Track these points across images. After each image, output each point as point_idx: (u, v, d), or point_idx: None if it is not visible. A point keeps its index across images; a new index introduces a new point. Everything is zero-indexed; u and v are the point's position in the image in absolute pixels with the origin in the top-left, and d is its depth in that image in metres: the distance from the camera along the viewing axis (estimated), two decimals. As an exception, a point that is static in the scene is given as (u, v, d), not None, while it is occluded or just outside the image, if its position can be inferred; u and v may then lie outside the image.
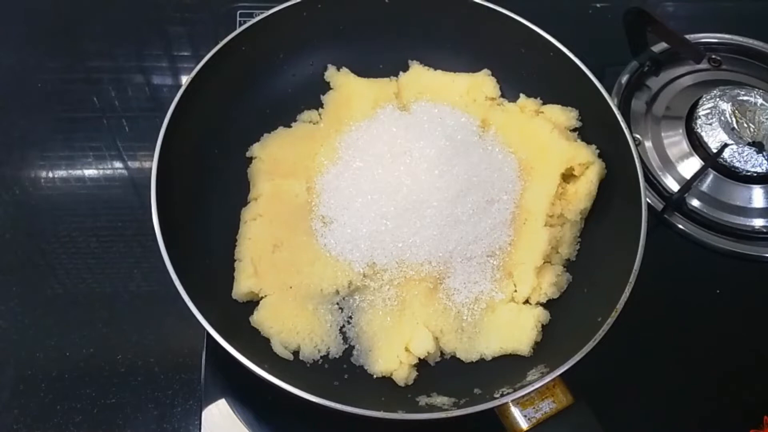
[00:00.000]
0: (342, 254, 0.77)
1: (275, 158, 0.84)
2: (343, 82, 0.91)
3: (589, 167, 0.81)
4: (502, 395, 0.64)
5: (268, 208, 0.80)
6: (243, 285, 0.75)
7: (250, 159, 0.85)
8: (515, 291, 0.78)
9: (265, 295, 0.75)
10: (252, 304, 0.76)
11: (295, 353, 0.74)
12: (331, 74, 0.92)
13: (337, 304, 0.77)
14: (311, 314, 0.75)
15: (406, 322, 0.75)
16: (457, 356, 0.75)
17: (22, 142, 0.96)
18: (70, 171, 0.94)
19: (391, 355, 0.73)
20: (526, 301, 0.78)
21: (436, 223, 0.77)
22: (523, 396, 0.64)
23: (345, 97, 0.90)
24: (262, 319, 0.74)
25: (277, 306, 0.74)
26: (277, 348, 0.72)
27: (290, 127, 0.88)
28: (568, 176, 0.83)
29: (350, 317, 0.77)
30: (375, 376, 0.73)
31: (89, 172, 0.94)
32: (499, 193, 0.81)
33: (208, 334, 0.65)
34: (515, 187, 0.82)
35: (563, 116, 0.87)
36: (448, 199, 0.77)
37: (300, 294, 0.75)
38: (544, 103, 0.89)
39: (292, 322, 0.74)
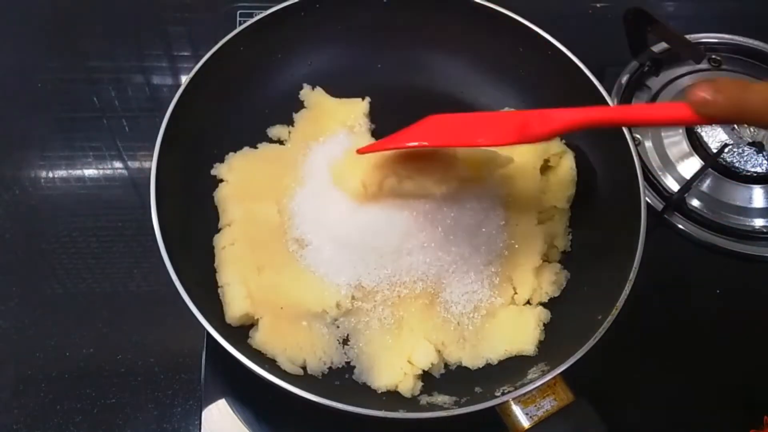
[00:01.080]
0: (326, 275, 0.75)
1: (243, 182, 0.81)
2: (316, 101, 0.90)
3: (562, 156, 0.83)
4: (503, 393, 0.64)
5: (243, 234, 0.77)
6: (237, 308, 0.71)
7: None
8: (515, 294, 0.78)
9: (259, 318, 0.72)
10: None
11: (303, 367, 0.72)
12: (306, 93, 0.91)
13: (332, 322, 0.75)
14: (308, 330, 0.73)
15: (405, 338, 0.74)
16: (464, 365, 0.74)
17: (22, 142, 0.96)
18: (70, 171, 0.94)
19: (394, 369, 0.71)
20: (527, 302, 0.78)
21: (424, 244, 0.75)
22: (524, 394, 0.64)
23: (315, 117, 0.89)
24: (263, 340, 0.71)
25: (274, 326, 0.72)
26: (286, 365, 0.70)
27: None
28: (545, 168, 0.84)
29: (348, 337, 0.75)
30: (379, 391, 0.71)
31: (89, 172, 0.94)
32: (489, 198, 0.80)
33: (208, 334, 0.65)
34: (502, 190, 0.82)
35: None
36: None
37: (291, 313, 0.73)
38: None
39: (293, 339, 0.72)
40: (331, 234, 0.76)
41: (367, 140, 0.85)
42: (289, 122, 0.89)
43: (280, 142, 0.88)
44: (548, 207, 0.82)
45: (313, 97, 0.91)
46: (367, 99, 0.91)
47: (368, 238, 0.75)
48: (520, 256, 0.78)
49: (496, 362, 0.74)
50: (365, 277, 0.75)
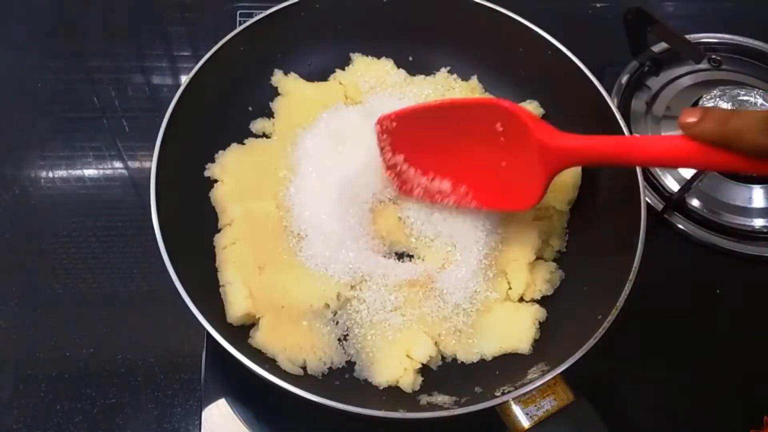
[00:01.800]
0: (324, 268, 0.75)
1: (238, 180, 0.81)
2: (291, 87, 0.89)
3: None
4: (503, 393, 0.64)
5: (243, 232, 0.77)
6: (238, 307, 0.71)
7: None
8: (510, 289, 0.78)
9: (260, 317, 0.72)
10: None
11: (303, 367, 0.72)
12: (279, 79, 0.90)
13: (332, 319, 0.75)
14: (308, 330, 0.73)
15: (404, 332, 0.73)
16: (458, 358, 0.75)
17: (22, 142, 0.96)
18: (70, 171, 0.94)
19: (394, 363, 0.71)
20: (521, 299, 0.78)
21: (418, 229, 0.77)
22: (524, 394, 0.64)
23: (294, 104, 0.88)
24: (263, 339, 0.71)
25: (275, 326, 0.72)
26: (286, 365, 0.70)
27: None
28: None
29: (347, 334, 0.75)
30: (380, 387, 0.71)
31: (89, 172, 0.94)
32: None
33: (208, 334, 0.65)
34: None
35: (528, 108, 0.88)
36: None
37: (293, 312, 0.73)
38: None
39: (293, 339, 0.72)
40: (327, 222, 0.77)
41: (351, 116, 0.85)
42: (270, 115, 0.89)
43: (266, 135, 0.87)
44: (547, 206, 0.82)
45: (288, 83, 0.90)
46: (336, 78, 0.91)
47: (364, 224, 0.76)
48: (515, 251, 0.79)
49: (490, 358, 0.74)
50: (362, 264, 0.75)
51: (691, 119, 0.49)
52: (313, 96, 0.89)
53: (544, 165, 0.65)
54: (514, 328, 0.75)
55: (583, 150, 0.63)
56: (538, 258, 0.80)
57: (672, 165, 0.66)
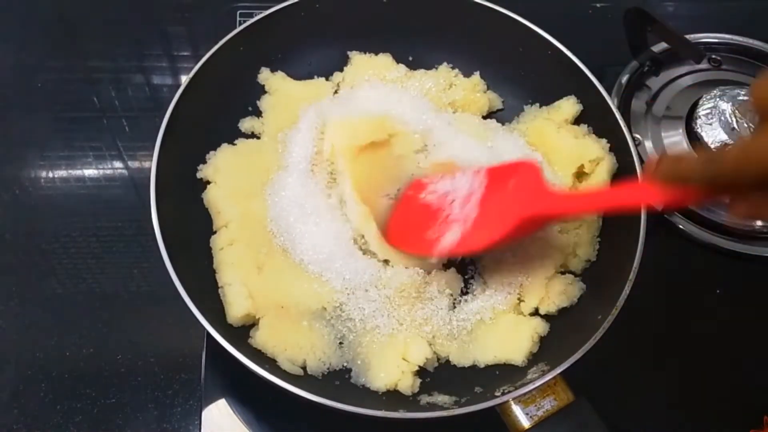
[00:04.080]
0: (319, 271, 0.75)
1: (231, 182, 0.80)
2: (278, 86, 0.89)
3: (599, 163, 0.80)
4: (503, 393, 0.64)
5: (240, 234, 0.77)
6: (238, 308, 0.71)
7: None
8: (522, 302, 0.76)
9: (260, 317, 0.72)
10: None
11: (303, 368, 0.72)
12: (266, 77, 0.89)
13: (329, 321, 0.74)
14: (308, 330, 0.73)
15: (399, 336, 0.73)
16: (451, 360, 0.74)
17: (22, 142, 0.96)
18: (70, 171, 0.94)
19: (391, 367, 0.71)
20: (536, 313, 0.76)
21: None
22: (524, 394, 0.64)
23: (281, 103, 0.88)
24: (264, 339, 0.71)
25: (275, 326, 0.72)
26: (286, 365, 0.69)
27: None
28: (579, 174, 0.82)
29: (343, 339, 0.74)
30: (379, 392, 0.71)
31: (89, 172, 0.94)
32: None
33: (208, 334, 0.65)
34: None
35: (568, 108, 0.87)
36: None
37: (292, 313, 0.73)
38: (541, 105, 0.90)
39: (293, 339, 0.72)
40: (318, 225, 0.76)
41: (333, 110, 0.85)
42: (259, 114, 0.88)
43: (254, 133, 0.87)
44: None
45: (275, 81, 0.89)
46: (332, 80, 0.91)
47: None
48: (534, 266, 0.76)
49: (483, 366, 0.73)
50: (353, 274, 0.74)
51: (653, 165, 0.56)
52: (301, 94, 0.88)
53: (528, 207, 0.66)
54: (511, 341, 0.73)
55: (570, 198, 0.69)
56: (565, 272, 0.78)
57: (636, 207, 0.73)
